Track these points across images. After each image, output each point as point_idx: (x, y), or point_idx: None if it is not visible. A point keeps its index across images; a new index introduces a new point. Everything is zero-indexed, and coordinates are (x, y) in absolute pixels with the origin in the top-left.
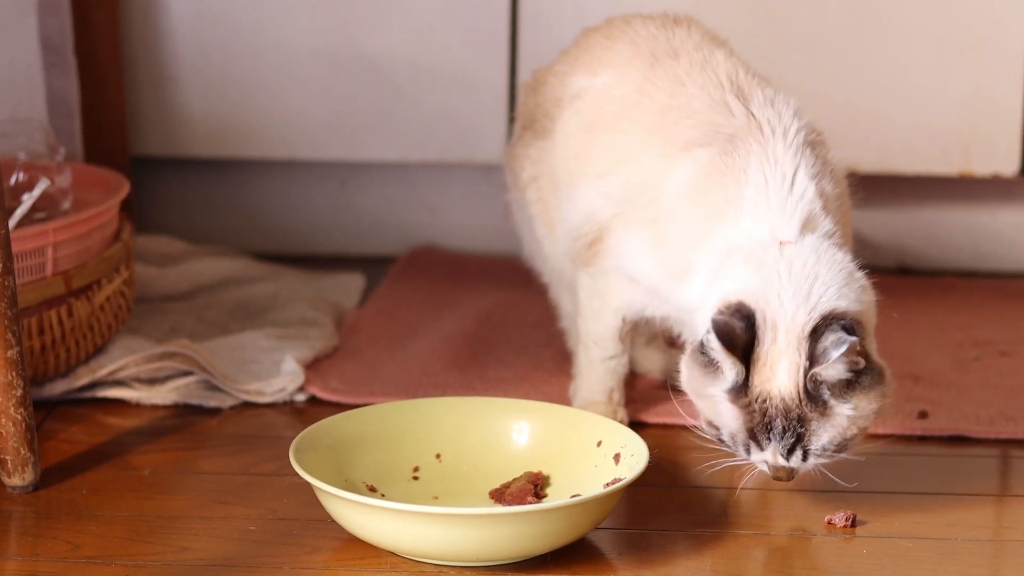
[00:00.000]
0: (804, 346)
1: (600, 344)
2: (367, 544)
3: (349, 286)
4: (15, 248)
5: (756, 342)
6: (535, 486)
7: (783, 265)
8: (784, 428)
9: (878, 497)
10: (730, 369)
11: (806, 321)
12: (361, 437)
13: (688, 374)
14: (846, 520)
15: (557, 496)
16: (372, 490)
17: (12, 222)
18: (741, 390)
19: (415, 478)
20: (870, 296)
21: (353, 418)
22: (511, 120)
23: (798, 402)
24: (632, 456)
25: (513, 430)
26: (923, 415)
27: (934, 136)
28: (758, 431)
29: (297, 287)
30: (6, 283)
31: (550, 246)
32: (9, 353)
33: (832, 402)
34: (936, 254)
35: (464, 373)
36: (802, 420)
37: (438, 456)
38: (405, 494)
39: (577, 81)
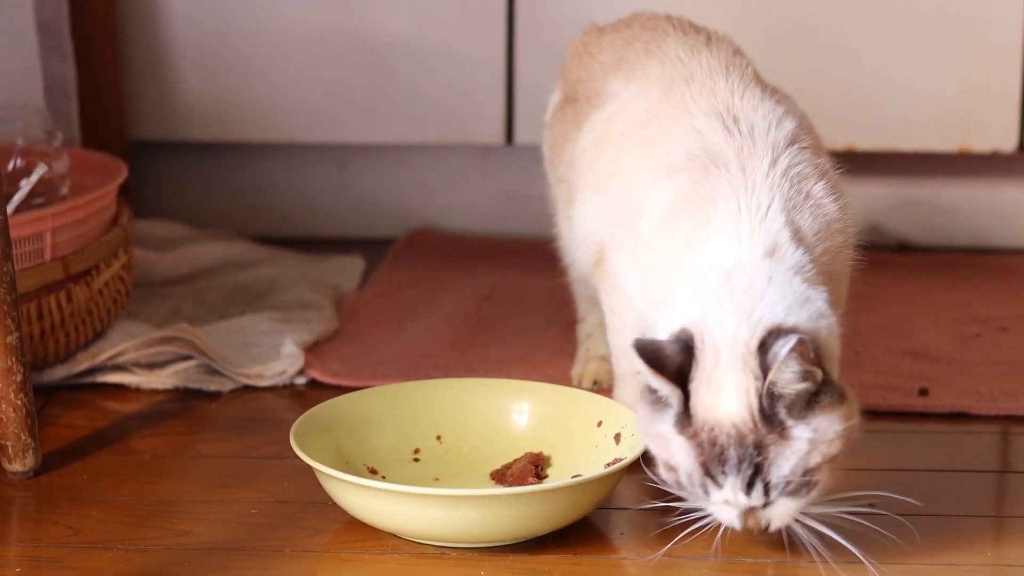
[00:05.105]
0: (752, 363)
1: (627, 358)
2: (368, 526)
3: (348, 268)
4: (13, 234)
5: (694, 366)
6: (536, 467)
7: (725, 287)
8: (739, 458)
9: (878, 474)
10: (669, 394)
11: (749, 336)
12: (361, 419)
13: (639, 415)
14: None
15: (558, 477)
16: (373, 472)
17: (10, 208)
18: (684, 419)
19: (416, 460)
20: (830, 323)
21: (353, 400)
22: (509, 100)
23: (752, 426)
24: (633, 436)
25: (514, 411)
26: (923, 392)
27: (933, 113)
28: (711, 464)
29: (296, 270)
30: (5, 269)
31: (573, 254)
32: (8, 339)
33: (789, 423)
34: (935, 231)
35: (464, 354)
36: (759, 447)
37: (439, 438)
38: (406, 476)
39: (613, 85)
